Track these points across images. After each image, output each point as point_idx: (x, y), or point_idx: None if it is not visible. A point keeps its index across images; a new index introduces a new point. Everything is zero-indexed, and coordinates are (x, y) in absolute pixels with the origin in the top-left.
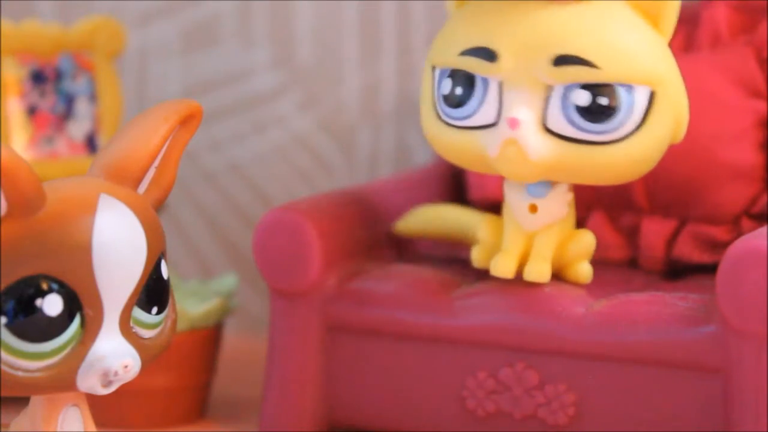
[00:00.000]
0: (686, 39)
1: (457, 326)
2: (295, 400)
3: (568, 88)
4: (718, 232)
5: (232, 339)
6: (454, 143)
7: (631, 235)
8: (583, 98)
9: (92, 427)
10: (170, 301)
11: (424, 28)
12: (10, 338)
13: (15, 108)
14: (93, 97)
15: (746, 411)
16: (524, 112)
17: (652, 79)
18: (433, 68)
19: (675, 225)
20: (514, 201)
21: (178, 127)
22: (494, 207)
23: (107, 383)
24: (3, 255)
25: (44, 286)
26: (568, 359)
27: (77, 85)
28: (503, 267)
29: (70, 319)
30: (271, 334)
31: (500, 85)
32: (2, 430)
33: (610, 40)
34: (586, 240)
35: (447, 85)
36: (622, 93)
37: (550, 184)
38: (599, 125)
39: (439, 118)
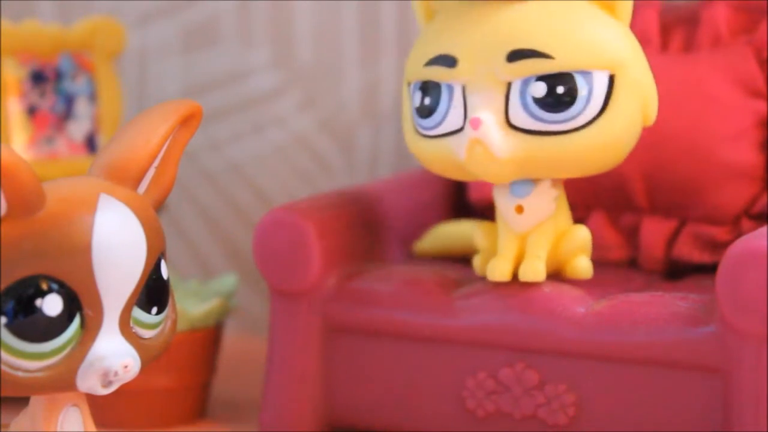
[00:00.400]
0: (686, 39)
1: (457, 326)
2: (295, 400)
3: (525, 82)
4: (718, 233)
5: (232, 339)
6: (431, 154)
7: (631, 235)
8: (540, 89)
9: (92, 427)
10: (170, 301)
11: None
12: (10, 338)
13: (15, 108)
14: (93, 97)
15: (746, 411)
16: (486, 111)
17: (610, 63)
18: (408, 84)
19: (675, 225)
20: (502, 204)
21: (177, 127)
22: (493, 207)
23: (107, 383)
24: (3, 255)
25: (44, 286)
26: (568, 359)
27: (77, 85)
28: (499, 271)
29: (70, 320)
30: (271, 334)
31: (464, 89)
32: (2, 430)
33: (562, 30)
34: (581, 235)
35: (417, 97)
36: (579, 80)
37: (532, 182)
38: (559, 114)
39: (417, 131)
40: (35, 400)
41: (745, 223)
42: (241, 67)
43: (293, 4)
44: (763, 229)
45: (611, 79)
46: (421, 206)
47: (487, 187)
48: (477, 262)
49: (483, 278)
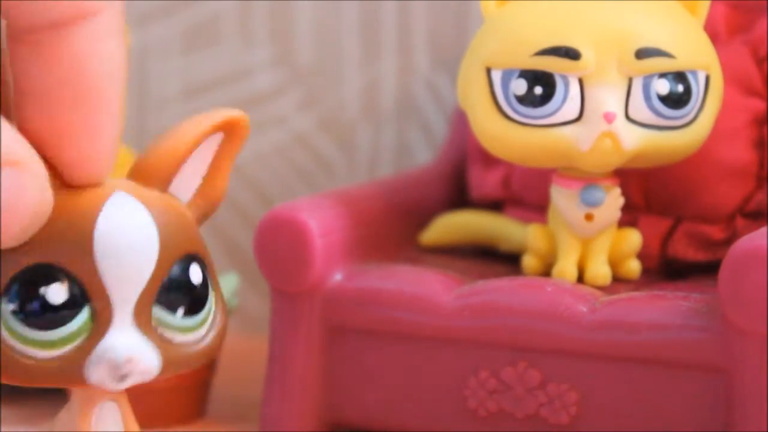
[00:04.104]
0: None
1: (459, 326)
2: (295, 400)
3: (647, 79)
4: (713, 231)
5: (232, 338)
6: (529, 141)
7: None
8: (664, 87)
9: (133, 423)
10: (215, 309)
11: (424, 28)
12: (17, 325)
13: None
14: None
15: (748, 411)
16: (615, 105)
17: (707, 63)
18: (488, 70)
19: (670, 223)
20: (567, 211)
21: (214, 133)
22: (494, 206)
23: (118, 377)
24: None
25: (49, 274)
26: (570, 358)
27: None
28: (569, 273)
29: (78, 311)
30: (272, 334)
31: (580, 81)
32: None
33: (676, 30)
34: (636, 239)
35: (521, 86)
36: (691, 79)
37: (604, 192)
38: (678, 111)
39: (509, 118)
40: (75, 395)
41: (740, 221)
42: (242, 67)
43: (294, 3)
44: (764, 229)
45: (707, 78)
46: (421, 205)
47: (487, 186)
48: (528, 262)
49: (484, 276)
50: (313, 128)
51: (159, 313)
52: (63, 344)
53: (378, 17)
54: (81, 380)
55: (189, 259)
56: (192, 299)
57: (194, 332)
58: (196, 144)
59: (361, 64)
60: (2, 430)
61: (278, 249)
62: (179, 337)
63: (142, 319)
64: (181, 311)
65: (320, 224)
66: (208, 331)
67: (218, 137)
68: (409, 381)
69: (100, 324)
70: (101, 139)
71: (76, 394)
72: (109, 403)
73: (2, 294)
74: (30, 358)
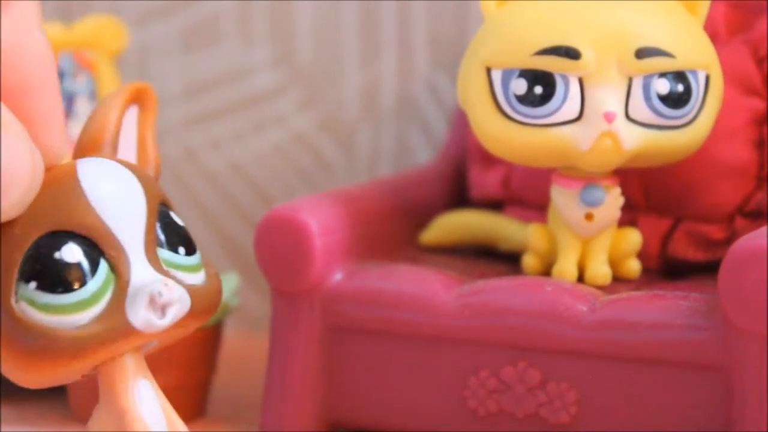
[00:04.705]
0: None
1: (459, 326)
2: (295, 400)
3: (647, 79)
4: (712, 231)
5: (232, 339)
6: (529, 141)
7: None
8: (664, 86)
9: (165, 401)
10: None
11: (424, 28)
12: (47, 297)
13: None
14: (93, 97)
15: (748, 410)
16: (615, 105)
17: (707, 63)
18: (488, 69)
19: (670, 223)
20: (568, 211)
21: (131, 104)
22: (494, 206)
23: (159, 309)
24: (11, 228)
25: (57, 239)
26: (570, 358)
27: (77, 84)
28: (568, 273)
29: (97, 263)
30: (272, 334)
31: (580, 81)
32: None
33: (676, 30)
34: (635, 239)
35: (521, 85)
36: (691, 78)
37: (604, 192)
38: (678, 110)
39: (509, 118)
40: (104, 388)
41: (739, 221)
42: (242, 66)
43: (294, 3)
44: (764, 229)
45: (707, 78)
46: (421, 205)
47: (488, 186)
48: (528, 262)
49: (484, 276)
50: (313, 128)
51: (165, 254)
52: (96, 300)
53: (378, 17)
54: (128, 329)
55: (165, 204)
56: (186, 238)
57: (198, 272)
58: (123, 112)
59: (361, 64)
60: (2, 430)
61: (278, 249)
62: (189, 278)
63: (154, 259)
64: (182, 250)
65: (320, 224)
66: (206, 269)
67: (134, 112)
68: (409, 381)
69: (121, 271)
70: (50, 126)
71: (107, 383)
72: (143, 380)
73: (19, 279)
74: (73, 327)
